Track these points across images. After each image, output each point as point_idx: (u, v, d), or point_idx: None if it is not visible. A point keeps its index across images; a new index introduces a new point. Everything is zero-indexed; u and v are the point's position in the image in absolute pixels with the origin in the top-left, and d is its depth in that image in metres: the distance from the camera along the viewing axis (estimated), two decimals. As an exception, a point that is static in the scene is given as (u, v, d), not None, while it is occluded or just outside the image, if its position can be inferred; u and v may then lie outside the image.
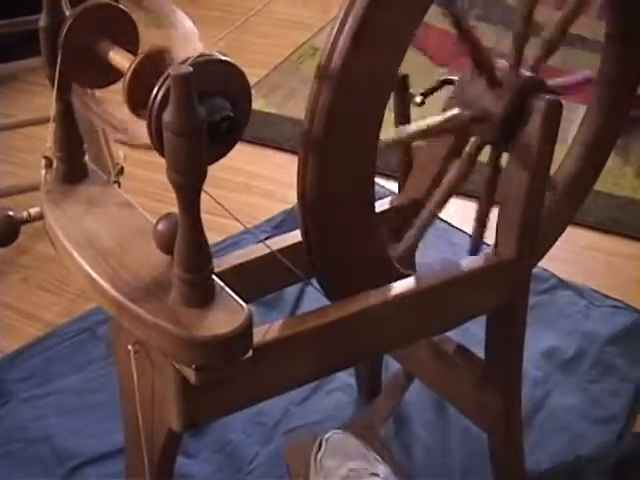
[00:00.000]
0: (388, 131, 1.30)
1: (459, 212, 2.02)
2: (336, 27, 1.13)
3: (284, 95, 3.16)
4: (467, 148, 1.38)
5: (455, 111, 1.34)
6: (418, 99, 1.48)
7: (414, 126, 1.33)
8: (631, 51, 1.51)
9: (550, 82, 1.46)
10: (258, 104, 3.09)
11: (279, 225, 2.41)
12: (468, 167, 1.37)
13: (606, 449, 1.53)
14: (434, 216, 1.37)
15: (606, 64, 1.53)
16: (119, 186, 1.29)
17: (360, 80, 1.14)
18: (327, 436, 1.66)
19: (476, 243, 1.47)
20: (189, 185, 0.95)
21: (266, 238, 1.50)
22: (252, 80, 3.50)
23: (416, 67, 3.25)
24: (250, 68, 3.53)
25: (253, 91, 3.37)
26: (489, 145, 1.39)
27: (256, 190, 2.63)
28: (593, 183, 1.69)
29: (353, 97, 1.14)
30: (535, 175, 1.33)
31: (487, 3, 4.03)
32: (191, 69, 0.90)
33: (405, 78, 1.47)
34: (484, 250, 1.44)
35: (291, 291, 2.14)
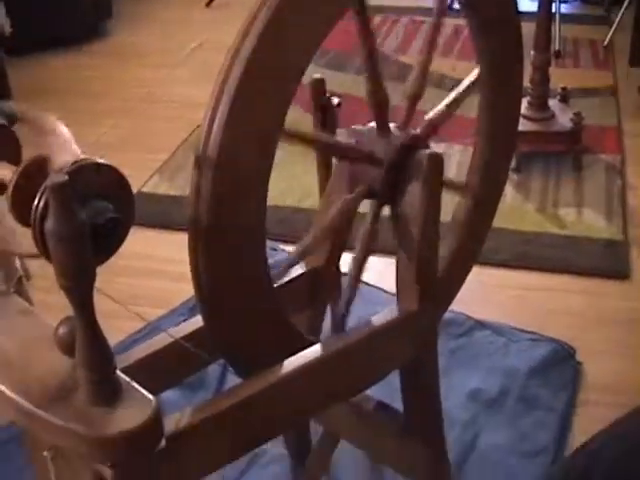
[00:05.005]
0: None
1: (373, 270, 2.05)
2: (209, 115, 1.16)
3: (188, 176, 3.15)
4: (367, 218, 1.43)
5: (340, 203, 1.38)
6: (335, 101, 1.52)
7: (302, 243, 1.37)
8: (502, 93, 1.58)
9: (440, 107, 1.50)
10: (163, 188, 3.12)
11: (195, 307, 2.41)
12: (372, 231, 1.41)
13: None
14: (356, 286, 1.41)
15: (482, 109, 1.59)
16: (20, 294, 1.30)
17: (238, 164, 1.17)
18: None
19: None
20: (78, 288, 0.97)
21: (184, 320, 1.51)
22: (155, 165, 3.54)
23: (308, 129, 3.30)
24: (152, 153, 3.56)
25: (157, 176, 3.40)
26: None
27: (170, 274, 2.64)
28: (488, 227, 1.73)
29: (233, 183, 1.17)
30: (424, 229, 1.37)
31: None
32: (67, 177, 0.93)
33: (321, 81, 1.51)
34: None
35: (216, 369, 2.15)
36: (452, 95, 1.54)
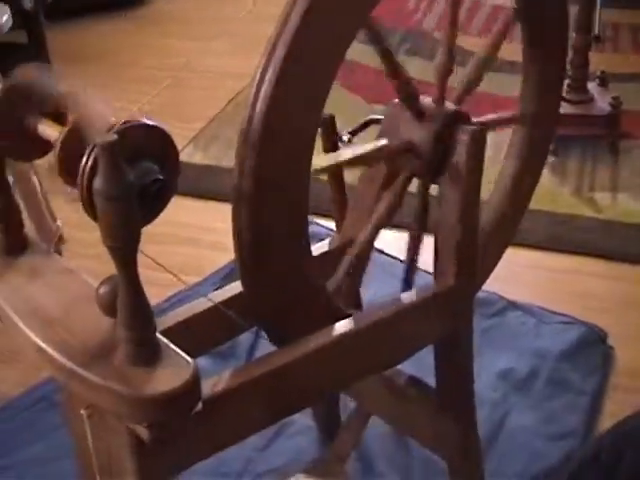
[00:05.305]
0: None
1: (399, 244, 2.05)
2: (256, 82, 1.16)
3: (222, 146, 3.18)
4: (396, 182, 1.42)
5: (384, 141, 1.38)
6: (345, 137, 1.51)
7: (344, 153, 1.37)
8: (547, 69, 1.57)
9: (481, 118, 1.50)
10: (197, 157, 3.12)
11: (228, 275, 2.42)
12: (397, 200, 1.40)
13: (561, 463, 1.56)
14: (366, 251, 1.40)
15: (526, 84, 1.58)
16: (60, 254, 1.30)
17: (284, 131, 1.17)
18: (292, 481, 1.67)
19: (410, 275, 1.50)
20: (124, 248, 0.97)
21: (216, 289, 1.51)
22: (190, 134, 3.54)
23: (348, 106, 3.30)
24: (188, 122, 3.56)
25: (192, 145, 3.39)
26: (418, 178, 1.43)
27: (202, 243, 2.65)
28: (526, 204, 1.72)
29: (278, 148, 1.17)
30: (465, 204, 1.37)
31: (417, 38, 4.11)
32: (116, 136, 0.93)
33: (332, 119, 1.50)
34: (426, 280, 1.48)
35: (245, 340, 2.15)
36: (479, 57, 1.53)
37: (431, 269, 1.44)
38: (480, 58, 1.46)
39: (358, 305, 1.64)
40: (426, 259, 1.49)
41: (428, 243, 1.47)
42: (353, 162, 1.39)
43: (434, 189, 1.43)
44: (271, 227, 1.20)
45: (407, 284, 1.49)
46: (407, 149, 1.39)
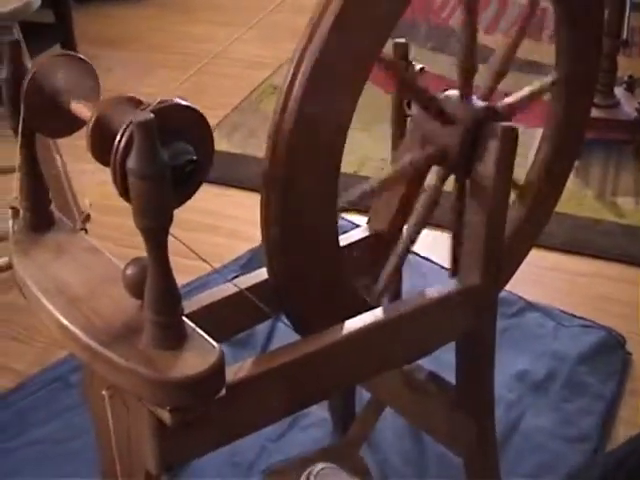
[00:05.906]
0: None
1: (425, 242, 2.04)
2: (291, 70, 1.15)
3: (246, 134, 3.19)
4: (432, 181, 1.41)
5: (409, 157, 1.37)
6: (418, 67, 1.51)
7: (371, 182, 1.35)
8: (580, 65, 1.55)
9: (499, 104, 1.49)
10: (221, 145, 3.11)
11: (247, 264, 2.42)
12: (434, 198, 1.39)
13: (578, 473, 1.55)
14: (408, 250, 1.40)
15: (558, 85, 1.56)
16: (86, 233, 1.30)
17: (317, 121, 1.16)
18: (316, 471, 1.65)
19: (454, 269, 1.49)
20: (156, 229, 0.97)
21: (234, 277, 1.50)
22: (213, 121, 3.53)
23: (375, 101, 3.29)
24: (211, 109, 3.55)
25: (215, 132, 3.38)
26: (440, 164, 1.41)
27: (222, 230, 2.65)
28: (555, 204, 1.71)
29: (311, 138, 1.16)
30: (495, 202, 1.35)
31: (441, 35, 4.10)
32: (153, 115, 0.92)
33: (405, 46, 1.49)
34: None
35: (262, 329, 2.15)
36: (536, 85, 1.53)
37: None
38: (505, 47, 1.44)
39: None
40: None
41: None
42: (383, 187, 1.39)
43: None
44: (300, 215, 1.19)
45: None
46: (437, 156, 1.37)
